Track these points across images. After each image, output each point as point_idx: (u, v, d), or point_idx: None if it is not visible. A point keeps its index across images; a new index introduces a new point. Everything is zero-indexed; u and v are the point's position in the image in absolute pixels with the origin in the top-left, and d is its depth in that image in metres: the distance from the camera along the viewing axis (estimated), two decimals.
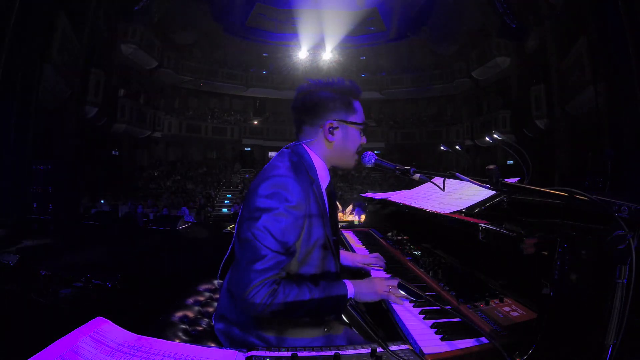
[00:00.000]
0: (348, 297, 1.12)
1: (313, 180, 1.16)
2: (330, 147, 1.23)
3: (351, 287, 1.13)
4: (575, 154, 10.21)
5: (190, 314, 1.45)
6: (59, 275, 3.46)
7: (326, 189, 1.27)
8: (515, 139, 12.27)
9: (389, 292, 1.21)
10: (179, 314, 1.43)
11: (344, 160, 1.27)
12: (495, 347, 0.84)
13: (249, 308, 1.01)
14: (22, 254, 3.98)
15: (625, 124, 6.97)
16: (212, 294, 1.66)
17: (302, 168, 1.16)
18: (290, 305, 1.02)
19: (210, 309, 1.51)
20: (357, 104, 1.26)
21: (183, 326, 1.35)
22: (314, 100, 1.22)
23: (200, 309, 1.52)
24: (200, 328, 1.36)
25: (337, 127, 1.21)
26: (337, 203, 1.36)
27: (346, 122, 1.22)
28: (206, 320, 1.43)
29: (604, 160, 7.57)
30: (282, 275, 1.05)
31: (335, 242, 1.26)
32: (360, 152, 1.30)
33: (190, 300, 1.56)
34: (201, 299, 1.60)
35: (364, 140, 1.29)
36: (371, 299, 1.19)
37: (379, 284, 1.21)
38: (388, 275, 1.54)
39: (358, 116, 1.26)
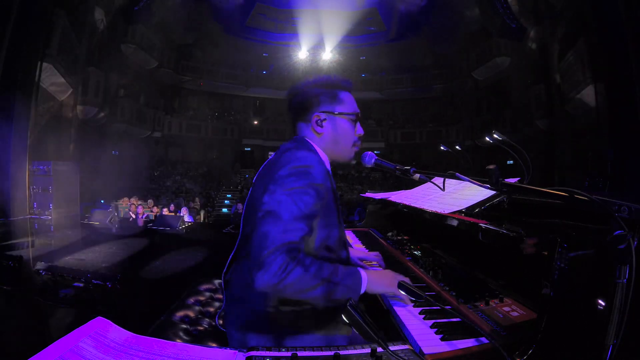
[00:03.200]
0: (362, 282, 1.10)
1: (327, 170, 1.20)
2: (320, 138, 1.27)
3: (365, 275, 1.12)
4: (575, 154, 10.21)
5: (191, 314, 1.45)
6: (59, 275, 3.46)
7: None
8: (515, 139, 12.24)
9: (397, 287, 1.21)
10: (180, 313, 1.43)
11: (339, 153, 1.29)
12: (495, 347, 0.84)
13: (266, 275, 0.93)
14: (22, 254, 3.98)
15: (625, 124, 6.96)
16: (212, 294, 1.66)
17: (316, 154, 1.19)
18: (308, 279, 0.97)
19: (211, 309, 1.51)
20: (344, 95, 1.29)
21: (184, 326, 1.35)
22: (301, 98, 1.29)
23: (201, 308, 1.52)
24: (201, 328, 1.36)
25: (324, 119, 1.26)
26: None
27: (333, 113, 1.26)
28: (207, 320, 1.43)
29: (604, 160, 7.58)
30: (301, 247, 1.01)
31: (343, 242, 1.29)
32: (360, 150, 1.32)
33: (191, 300, 1.56)
34: (201, 298, 1.60)
35: (359, 130, 1.31)
36: (382, 290, 1.18)
37: (391, 276, 1.21)
38: None
39: (346, 107, 1.28)
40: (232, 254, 1.26)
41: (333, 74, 1.33)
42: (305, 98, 1.28)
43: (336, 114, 1.26)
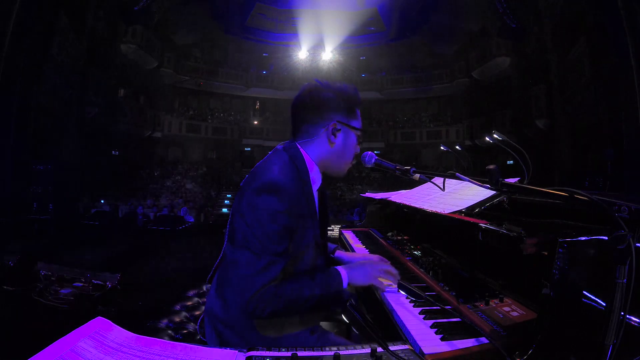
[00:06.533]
0: (344, 286, 1.14)
1: (305, 182, 1.16)
2: (332, 148, 1.21)
3: (345, 276, 1.15)
4: (575, 154, 10.21)
5: (177, 319, 1.45)
6: (59, 275, 3.46)
7: (318, 189, 1.27)
8: (515, 139, 12.25)
9: (379, 277, 1.24)
10: (165, 320, 1.43)
11: (338, 166, 1.25)
12: (495, 347, 0.84)
13: (253, 314, 1.02)
14: (22, 254, 3.98)
15: (625, 124, 6.96)
16: (199, 299, 1.67)
17: (295, 169, 1.15)
18: (293, 303, 1.04)
19: (197, 313, 1.52)
20: (357, 111, 1.27)
21: (170, 332, 1.36)
22: (319, 99, 1.20)
23: (187, 314, 1.53)
24: (186, 331, 1.36)
25: (339, 130, 1.20)
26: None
27: (349, 125, 1.22)
28: (192, 325, 1.44)
29: (604, 160, 7.58)
30: (280, 277, 1.05)
31: (323, 244, 1.29)
32: (359, 150, 1.32)
33: (177, 306, 1.56)
34: (189, 304, 1.61)
35: (357, 149, 1.29)
36: (363, 282, 1.21)
37: (371, 268, 1.23)
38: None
39: (358, 122, 1.26)
40: (219, 258, 1.25)
41: (352, 85, 1.26)
42: (325, 100, 1.20)
43: (351, 127, 1.23)
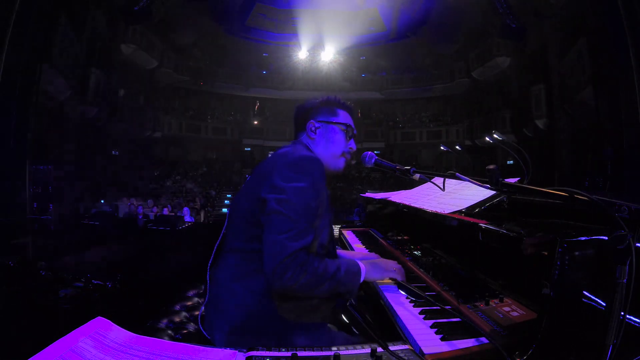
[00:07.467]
0: (361, 279, 1.20)
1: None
2: (313, 142, 1.34)
3: (363, 269, 1.22)
4: (575, 154, 10.20)
5: (177, 319, 1.45)
6: (59, 275, 3.46)
7: None
8: (515, 139, 12.27)
9: (390, 276, 1.32)
10: (165, 320, 1.43)
11: (328, 159, 1.34)
12: (495, 347, 0.84)
13: (281, 280, 1.00)
14: (22, 254, 3.97)
15: (625, 124, 6.96)
16: (199, 299, 1.66)
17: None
18: (318, 279, 1.05)
19: (196, 312, 1.52)
20: (341, 111, 1.39)
21: (169, 332, 1.36)
22: (302, 111, 1.40)
23: (187, 314, 1.52)
24: (186, 331, 1.36)
25: (318, 127, 1.34)
26: None
27: (327, 121, 1.35)
28: (192, 324, 1.44)
29: (604, 160, 7.58)
30: (310, 248, 1.07)
31: (333, 246, 1.34)
32: (359, 150, 1.36)
33: (177, 307, 1.56)
34: (188, 303, 1.61)
35: (352, 144, 1.38)
36: (379, 276, 1.30)
37: (385, 263, 1.34)
38: None
39: (340, 119, 1.37)
40: (217, 243, 1.27)
41: (335, 96, 1.45)
42: (305, 111, 1.39)
43: (329, 122, 1.35)
